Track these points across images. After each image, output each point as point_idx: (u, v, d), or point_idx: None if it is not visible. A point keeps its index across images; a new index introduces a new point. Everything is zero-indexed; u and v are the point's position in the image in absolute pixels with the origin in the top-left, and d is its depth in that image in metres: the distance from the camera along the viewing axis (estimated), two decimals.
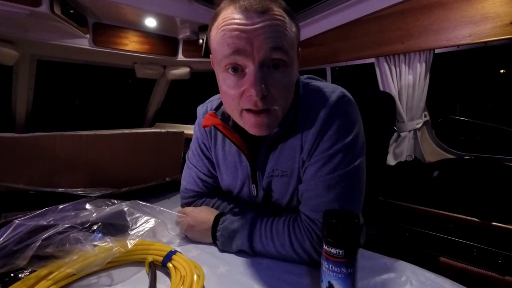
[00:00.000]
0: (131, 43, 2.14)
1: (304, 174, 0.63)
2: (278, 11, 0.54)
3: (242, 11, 0.52)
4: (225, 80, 0.57)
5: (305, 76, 0.73)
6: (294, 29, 0.57)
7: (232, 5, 0.54)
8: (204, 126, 0.69)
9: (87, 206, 0.68)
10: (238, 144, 0.67)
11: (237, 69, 0.55)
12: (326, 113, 0.59)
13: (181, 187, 0.83)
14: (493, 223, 1.19)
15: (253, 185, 0.71)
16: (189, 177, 0.81)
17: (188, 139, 1.25)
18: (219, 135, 0.74)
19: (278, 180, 0.67)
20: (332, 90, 0.62)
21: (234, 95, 0.56)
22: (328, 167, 0.59)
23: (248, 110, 0.57)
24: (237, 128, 0.66)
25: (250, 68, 0.53)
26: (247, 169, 0.70)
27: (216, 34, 0.56)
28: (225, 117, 0.69)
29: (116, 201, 0.71)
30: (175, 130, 1.24)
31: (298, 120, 0.62)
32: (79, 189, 0.86)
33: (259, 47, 0.52)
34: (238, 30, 0.52)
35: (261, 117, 0.57)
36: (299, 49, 0.62)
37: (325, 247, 0.47)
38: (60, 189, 0.84)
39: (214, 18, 0.57)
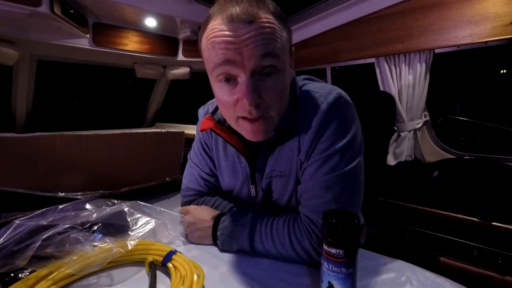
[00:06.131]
0: (131, 43, 2.13)
1: (302, 175, 0.63)
2: (266, 17, 0.52)
3: (229, 21, 0.51)
4: (219, 89, 0.57)
5: (303, 76, 0.72)
6: (284, 33, 0.56)
7: (220, 15, 0.52)
8: (202, 130, 0.69)
9: (87, 206, 0.68)
10: (236, 146, 0.67)
11: (229, 79, 0.55)
12: (322, 115, 0.59)
13: (182, 186, 0.83)
14: (493, 223, 1.19)
15: (252, 186, 0.71)
16: (190, 176, 0.81)
17: (188, 139, 1.25)
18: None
19: (277, 181, 0.68)
20: (329, 91, 0.62)
21: (228, 103, 0.56)
22: (326, 168, 0.59)
23: (244, 118, 0.57)
24: (234, 130, 0.66)
25: (242, 78, 0.53)
26: (246, 170, 0.70)
27: (206, 45, 0.55)
28: (222, 120, 0.69)
29: (116, 201, 0.71)
30: (175, 130, 1.24)
31: (296, 122, 0.62)
32: (79, 193, 0.86)
33: (249, 56, 0.51)
34: (226, 42, 0.51)
35: (256, 124, 0.57)
36: (293, 49, 0.61)
37: (325, 247, 0.47)
38: (61, 194, 0.84)
39: (204, 26, 0.56)
